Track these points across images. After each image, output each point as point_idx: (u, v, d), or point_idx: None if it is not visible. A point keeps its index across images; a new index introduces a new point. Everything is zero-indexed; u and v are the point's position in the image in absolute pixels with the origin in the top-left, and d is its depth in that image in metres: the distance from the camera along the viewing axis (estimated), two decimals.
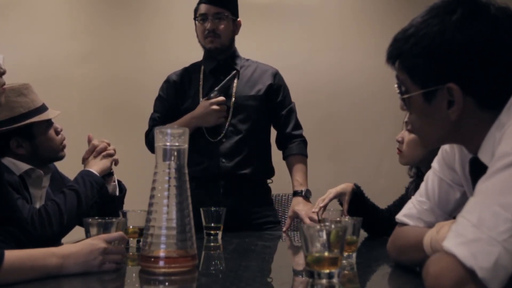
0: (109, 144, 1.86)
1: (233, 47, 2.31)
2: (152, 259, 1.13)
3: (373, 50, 3.32)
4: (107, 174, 1.85)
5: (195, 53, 2.34)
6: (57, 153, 1.81)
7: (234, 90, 2.23)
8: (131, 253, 1.50)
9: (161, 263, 1.12)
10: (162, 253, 1.13)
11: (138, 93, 3.56)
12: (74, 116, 3.33)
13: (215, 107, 2.13)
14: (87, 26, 3.72)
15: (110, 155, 1.84)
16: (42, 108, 1.76)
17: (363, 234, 1.92)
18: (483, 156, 1.00)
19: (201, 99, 2.23)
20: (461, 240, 0.82)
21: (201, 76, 2.30)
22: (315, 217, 1.97)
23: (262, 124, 2.29)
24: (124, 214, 1.61)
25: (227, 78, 2.20)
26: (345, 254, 1.26)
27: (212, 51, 2.24)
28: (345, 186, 1.95)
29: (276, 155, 2.36)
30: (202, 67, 2.31)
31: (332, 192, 1.95)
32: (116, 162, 1.87)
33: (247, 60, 2.36)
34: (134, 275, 1.26)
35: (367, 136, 3.70)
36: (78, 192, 1.68)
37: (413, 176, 1.87)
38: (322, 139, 3.50)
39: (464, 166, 1.14)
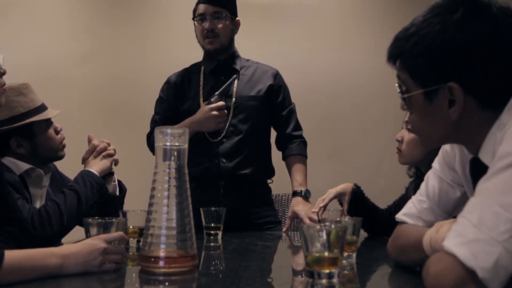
0: (109, 144, 1.86)
1: (233, 47, 2.31)
2: (152, 259, 1.13)
3: (373, 50, 3.32)
4: (107, 174, 1.84)
5: (195, 53, 2.34)
6: (57, 152, 1.81)
7: (234, 90, 2.23)
8: (131, 253, 1.50)
9: (161, 263, 1.12)
10: (162, 253, 1.13)
11: (138, 93, 3.56)
12: (74, 116, 3.33)
13: (214, 112, 2.13)
14: (87, 26, 3.72)
15: (110, 155, 1.84)
16: (42, 108, 1.76)
17: (363, 234, 1.92)
18: (483, 156, 1.00)
19: (201, 100, 2.23)
20: (462, 240, 0.82)
21: (201, 76, 2.29)
22: (315, 217, 1.97)
23: (262, 125, 2.29)
24: (124, 214, 1.61)
25: (228, 82, 2.19)
26: (345, 254, 1.26)
27: (212, 52, 2.24)
28: (345, 186, 1.95)
29: (276, 155, 2.36)
30: (202, 68, 2.31)
31: (332, 192, 1.95)
32: (116, 162, 1.87)
33: (248, 60, 2.35)
34: (134, 275, 1.26)
35: (367, 136, 3.70)
36: (78, 192, 1.68)
37: (412, 176, 1.88)
38: (322, 139, 3.50)
39: (464, 166, 1.14)
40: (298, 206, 2.14)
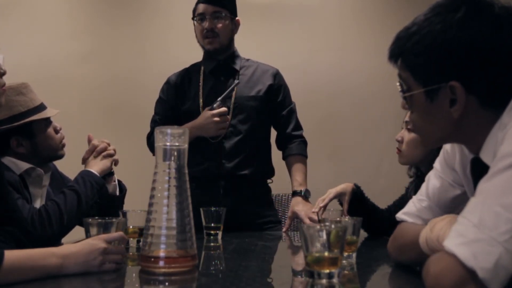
0: (109, 144, 1.86)
1: (233, 47, 2.31)
2: (152, 259, 1.13)
3: (373, 50, 3.34)
4: (107, 174, 1.85)
5: (195, 53, 2.34)
6: (57, 151, 1.81)
7: (234, 90, 2.23)
8: (131, 253, 1.50)
9: (161, 263, 1.12)
10: (162, 253, 1.13)
11: (138, 93, 3.56)
12: (74, 116, 3.33)
13: (216, 119, 2.13)
14: (87, 26, 3.72)
15: (110, 155, 1.84)
16: (41, 107, 1.76)
17: (363, 234, 1.92)
18: (484, 156, 1.00)
19: (201, 100, 2.23)
20: (462, 240, 0.81)
21: (201, 76, 2.29)
22: (315, 217, 1.97)
23: (262, 125, 2.29)
24: (124, 214, 1.61)
25: (230, 88, 2.19)
26: (345, 254, 1.26)
27: (212, 52, 2.23)
28: (345, 186, 1.95)
29: (276, 155, 2.35)
30: (202, 68, 2.31)
31: (332, 192, 1.95)
32: (116, 162, 1.87)
33: (248, 60, 2.35)
34: (134, 275, 1.26)
35: (367, 136, 3.70)
36: (78, 192, 1.68)
37: (412, 176, 1.88)
38: (322, 139, 3.50)
39: (465, 167, 1.13)
40: (298, 206, 2.14)
